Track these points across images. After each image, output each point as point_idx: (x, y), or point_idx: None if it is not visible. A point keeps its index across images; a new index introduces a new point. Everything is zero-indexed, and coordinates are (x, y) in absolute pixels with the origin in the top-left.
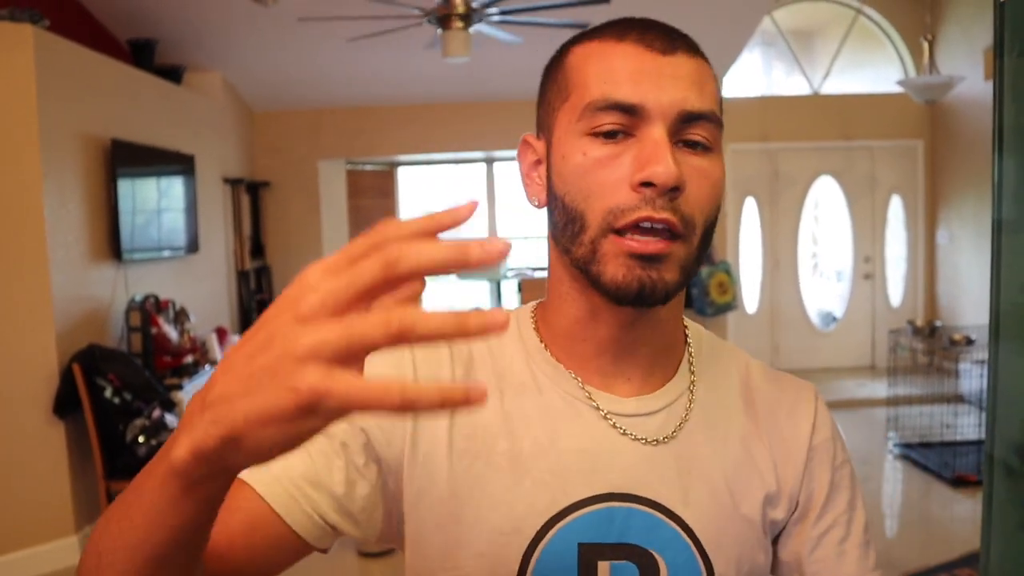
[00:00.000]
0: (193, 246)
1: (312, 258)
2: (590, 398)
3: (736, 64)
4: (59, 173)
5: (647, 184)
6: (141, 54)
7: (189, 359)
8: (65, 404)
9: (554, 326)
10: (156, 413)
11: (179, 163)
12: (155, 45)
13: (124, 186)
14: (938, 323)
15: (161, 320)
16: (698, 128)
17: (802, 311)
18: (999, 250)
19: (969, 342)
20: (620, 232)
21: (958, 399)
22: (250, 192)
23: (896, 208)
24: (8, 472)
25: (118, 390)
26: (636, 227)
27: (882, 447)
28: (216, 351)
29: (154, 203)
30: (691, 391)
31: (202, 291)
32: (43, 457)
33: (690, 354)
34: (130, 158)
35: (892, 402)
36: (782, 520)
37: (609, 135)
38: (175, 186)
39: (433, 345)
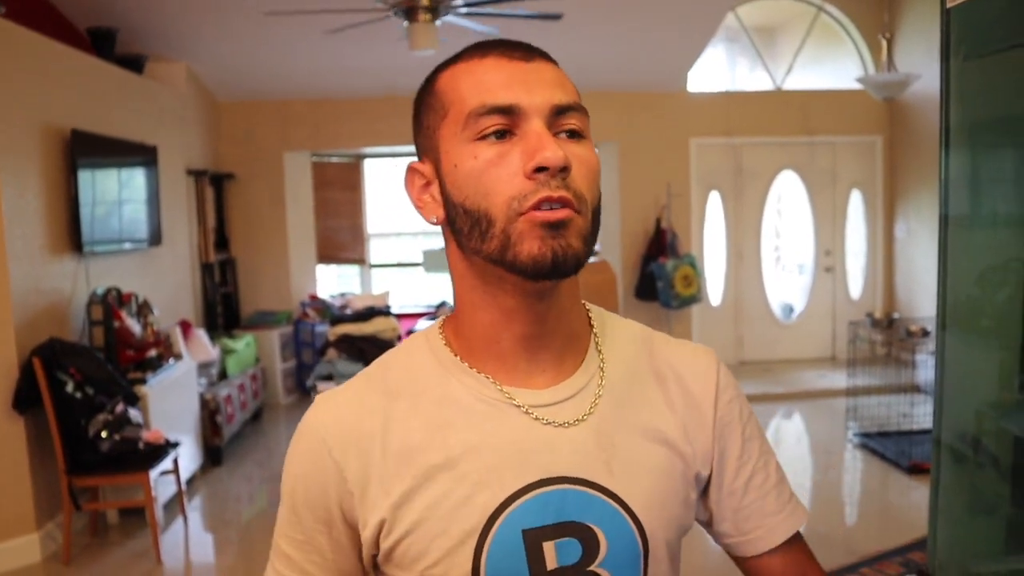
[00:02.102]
0: (156, 238)
1: (277, 251)
2: (509, 397)
3: (700, 60)
4: (16, 164)
5: (540, 169)
6: (102, 43)
7: (152, 353)
8: (25, 399)
9: (467, 335)
10: (119, 408)
11: (141, 154)
12: (116, 34)
13: (84, 177)
14: (896, 315)
15: (124, 313)
16: (570, 118)
17: (765, 303)
18: (946, 244)
19: (925, 333)
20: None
21: (915, 389)
22: (214, 184)
23: (856, 202)
24: None
25: (80, 384)
26: (538, 207)
27: (842, 436)
28: (180, 344)
29: (115, 195)
30: (601, 370)
31: (165, 284)
32: (3, 453)
33: (595, 336)
34: (91, 149)
35: (851, 392)
36: (704, 476)
37: (498, 135)
38: (137, 177)
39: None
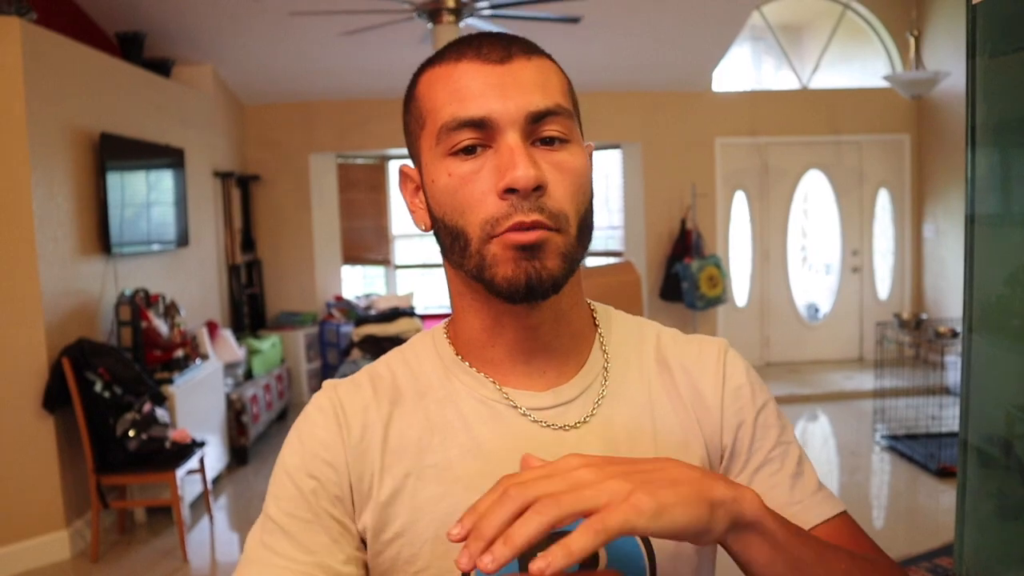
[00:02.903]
0: (183, 240)
1: (303, 252)
2: (508, 398)
3: (725, 59)
4: (47, 167)
5: (511, 191)
6: (129, 47)
7: (179, 353)
8: (55, 398)
9: (464, 337)
10: (146, 407)
11: (169, 156)
12: (143, 38)
13: (113, 180)
14: (924, 316)
15: (151, 314)
16: (550, 124)
17: (791, 304)
18: (973, 244)
19: (954, 335)
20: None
21: (944, 391)
22: (240, 186)
23: (883, 202)
24: None
25: (108, 384)
26: (510, 231)
27: (869, 439)
28: (207, 345)
29: (143, 197)
30: (605, 370)
31: (192, 285)
32: (33, 451)
33: (600, 336)
34: (119, 151)
35: (879, 394)
36: (706, 452)
37: (468, 151)
38: (165, 179)
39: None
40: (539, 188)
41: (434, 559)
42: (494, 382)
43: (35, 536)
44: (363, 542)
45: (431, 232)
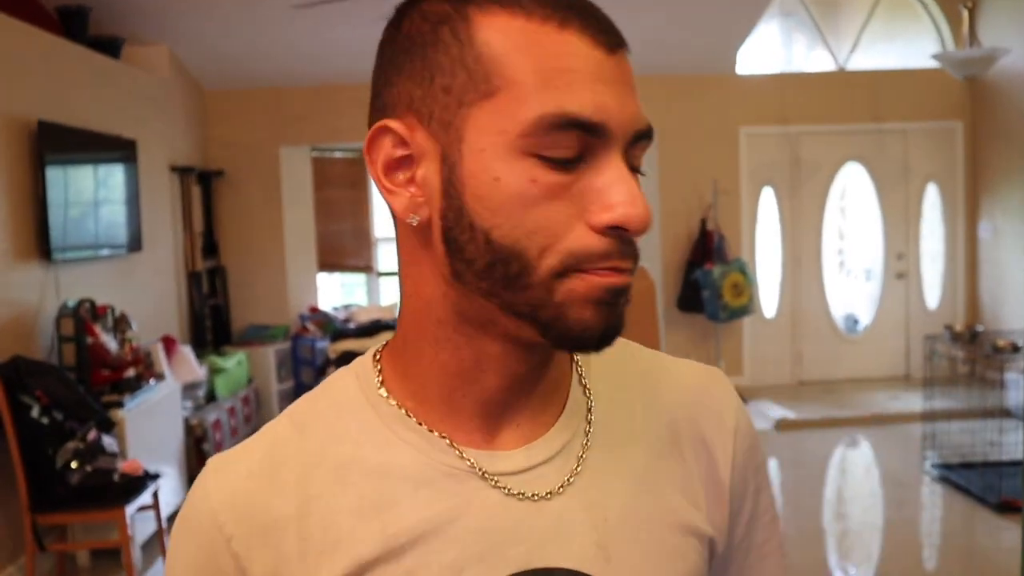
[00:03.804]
0: (135, 244)
1: (273, 257)
2: (470, 463)
3: (751, 38)
4: None
5: (617, 228)
6: (72, 24)
7: (131, 372)
8: None
9: (419, 379)
10: (92, 435)
11: (118, 148)
12: (88, 13)
13: (54, 175)
14: (980, 327)
15: (98, 328)
16: (641, 149)
17: (827, 315)
18: None
19: (1016, 349)
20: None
21: (1004, 413)
22: (202, 182)
23: (932, 198)
24: None
25: (47, 408)
26: (606, 271)
27: (918, 468)
28: (162, 363)
29: (90, 194)
30: (589, 413)
31: (146, 295)
32: None
33: (578, 368)
34: (60, 143)
35: (929, 417)
36: (712, 536)
37: (567, 162)
38: (114, 175)
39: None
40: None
41: None
42: (450, 442)
43: None
44: None
45: (414, 224)
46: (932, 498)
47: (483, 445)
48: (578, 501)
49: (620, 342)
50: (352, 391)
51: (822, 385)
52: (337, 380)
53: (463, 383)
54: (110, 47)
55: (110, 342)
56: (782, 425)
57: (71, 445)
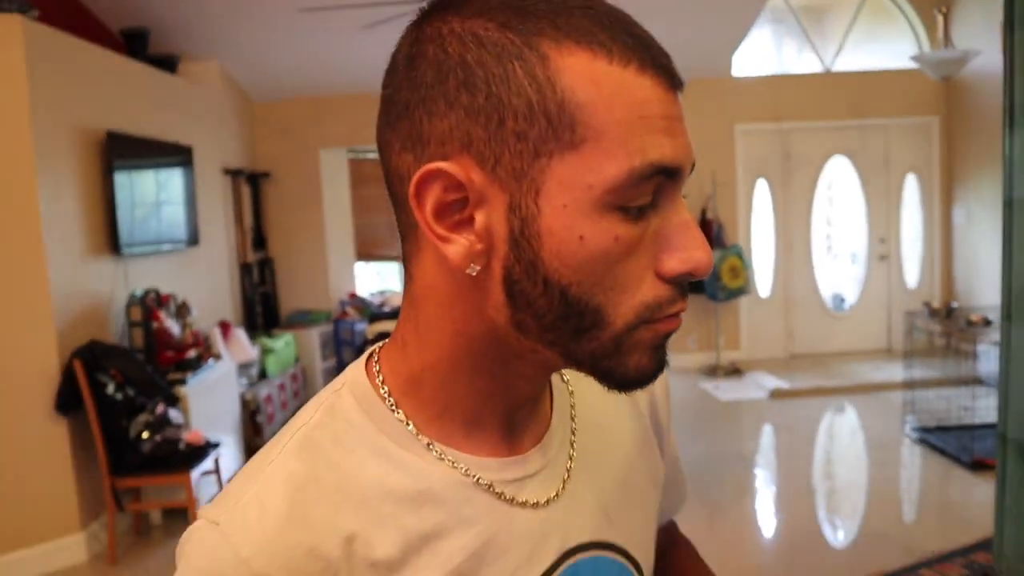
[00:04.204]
0: (193, 239)
1: (315, 249)
2: (495, 474)
3: (745, 42)
4: (53, 167)
5: (684, 275)
6: (134, 43)
7: (192, 353)
8: (67, 401)
9: (446, 404)
10: (160, 409)
11: (177, 154)
12: (148, 34)
13: (121, 179)
14: (955, 304)
15: (162, 314)
16: (683, 184)
17: (816, 294)
18: (1011, 228)
19: (987, 323)
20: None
21: (976, 381)
22: (251, 183)
23: (912, 187)
24: (13, 470)
25: (120, 386)
26: (668, 319)
27: (899, 432)
28: (220, 345)
29: (152, 196)
30: (571, 397)
31: (204, 284)
32: (47, 455)
33: None
34: (126, 150)
35: (909, 385)
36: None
37: (641, 211)
38: (173, 178)
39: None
40: None
41: None
42: (470, 460)
43: (51, 539)
44: None
45: (473, 275)
46: (911, 458)
47: (505, 453)
48: (582, 482)
49: None
50: (355, 415)
51: (812, 358)
52: (334, 406)
53: (495, 401)
54: (168, 64)
55: (173, 327)
56: (776, 394)
57: (142, 418)
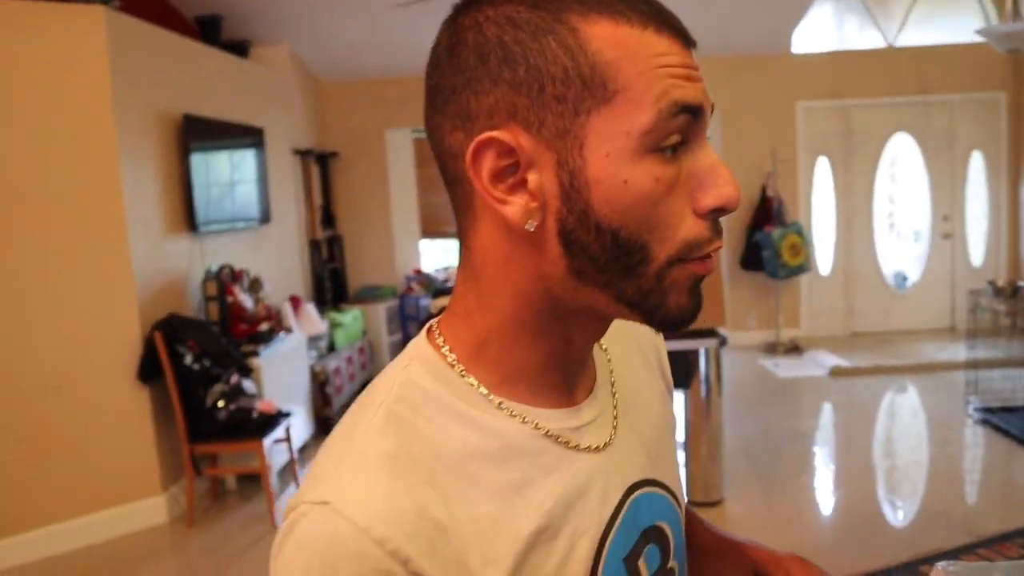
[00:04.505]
0: (265, 217)
1: (382, 227)
2: (558, 438)
3: (805, 19)
4: (134, 150)
5: (718, 211)
6: (208, 30)
7: (264, 327)
8: (149, 370)
9: (515, 366)
10: (234, 379)
11: (249, 136)
12: (221, 20)
13: (197, 160)
14: (1021, 283)
15: (236, 289)
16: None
17: (878, 272)
18: None
19: None
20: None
21: None
22: (319, 163)
23: (977, 164)
24: (99, 435)
25: (198, 357)
26: (704, 258)
27: (961, 411)
28: (290, 319)
29: (226, 176)
30: (606, 353)
31: (275, 261)
32: (130, 421)
33: None
34: (202, 132)
35: (972, 365)
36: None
37: (675, 149)
38: (246, 159)
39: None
40: None
41: None
42: (538, 414)
43: (134, 501)
44: None
45: (531, 230)
46: (974, 439)
47: (566, 404)
48: (627, 429)
49: None
50: (428, 385)
51: (873, 336)
52: (407, 380)
53: (555, 358)
54: (240, 48)
55: (247, 301)
56: (836, 372)
57: (218, 388)
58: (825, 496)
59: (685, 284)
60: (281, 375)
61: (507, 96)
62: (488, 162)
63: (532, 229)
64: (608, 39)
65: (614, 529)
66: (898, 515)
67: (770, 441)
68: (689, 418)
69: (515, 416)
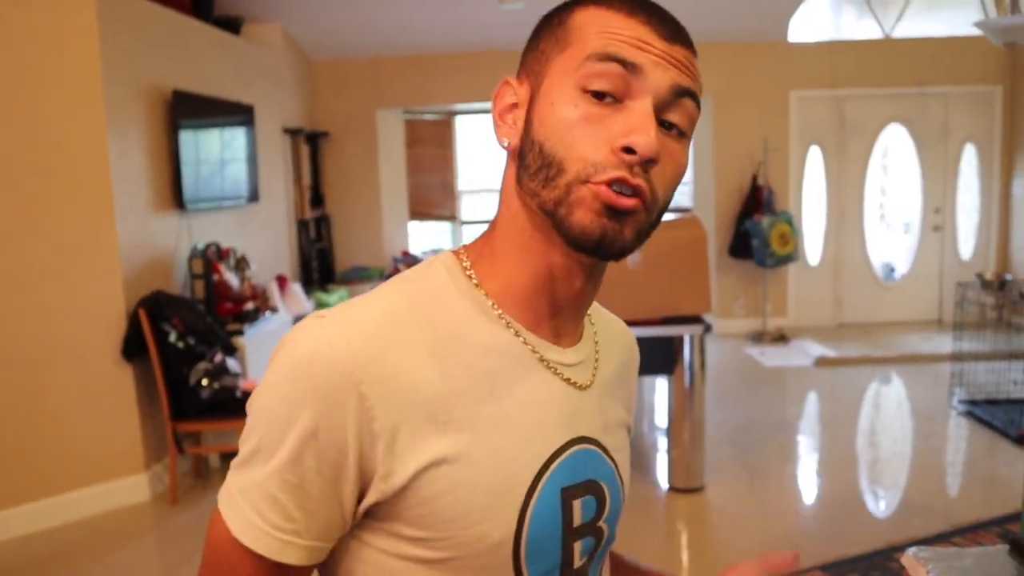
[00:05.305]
0: (254, 195)
1: (370, 207)
2: (546, 352)
3: (802, 8)
4: (122, 124)
5: (628, 150)
6: (201, 6)
7: (250, 305)
8: (133, 348)
9: (507, 280)
10: (218, 357)
11: (239, 114)
12: None
13: (186, 137)
14: (1009, 276)
15: (223, 267)
16: (682, 107)
17: (866, 263)
18: None
19: None
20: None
21: None
22: (309, 142)
23: (970, 157)
24: (82, 412)
25: (182, 335)
26: (609, 185)
27: (946, 403)
28: (276, 298)
29: (216, 153)
30: (595, 335)
31: (263, 240)
32: (114, 398)
33: None
34: (191, 109)
35: (957, 357)
36: (629, 426)
37: (599, 95)
38: (236, 136)
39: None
40: (652, 161)
41: (486, 515)
42: (528, 334)
43: (117, 478)
44: (392, 498)
45: (508, 150)
46: (957, 431)
47: (552, 341)
48: (595, 395)
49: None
50: (444, 280)
51: (860, 327)
52: (429, 271)
53: (544, 284)
54: (232, 25)
55: (233, 279)
56: (821, 362)
57: (202, 366)
58: (807, 485)
59: (590, 204)
60: (265, 354)
61: (526, 60)
62: (501, 99)
63: (505, 145)
64: (588, 15)
65: (562, 457)
66: (880, 505)
67: (754, 429)
68: (672, 404)
69: (509, 327)
